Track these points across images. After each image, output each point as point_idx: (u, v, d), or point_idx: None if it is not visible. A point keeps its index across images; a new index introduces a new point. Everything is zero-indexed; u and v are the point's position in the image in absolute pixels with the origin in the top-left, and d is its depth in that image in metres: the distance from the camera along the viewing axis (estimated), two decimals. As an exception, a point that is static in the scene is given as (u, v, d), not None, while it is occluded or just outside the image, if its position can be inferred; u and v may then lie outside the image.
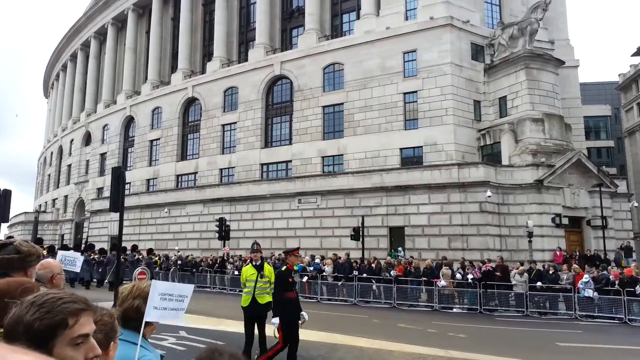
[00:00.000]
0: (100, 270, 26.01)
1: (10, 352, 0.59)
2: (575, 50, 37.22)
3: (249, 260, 10.53)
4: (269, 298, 9.22)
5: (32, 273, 3.52)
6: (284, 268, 8.84)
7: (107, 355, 2.22)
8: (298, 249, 9.86)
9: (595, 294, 18.07)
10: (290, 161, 35.61)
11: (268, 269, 9.53)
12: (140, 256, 27.53)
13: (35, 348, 0.63)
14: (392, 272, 21.23)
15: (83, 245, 32.77)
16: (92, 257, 26.52)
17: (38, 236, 38.64)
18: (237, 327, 13.34)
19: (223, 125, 40.07)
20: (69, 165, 59.00)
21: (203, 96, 41.68)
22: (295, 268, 9.90)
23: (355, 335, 12.46)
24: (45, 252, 21.87)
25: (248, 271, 9.53)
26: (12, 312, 1.51)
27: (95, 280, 26.21)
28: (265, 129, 37.99)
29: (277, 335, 8.41)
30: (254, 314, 9.28)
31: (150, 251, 28.71)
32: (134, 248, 28.05)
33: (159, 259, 30.01)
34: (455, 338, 13.17)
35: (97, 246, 30.83)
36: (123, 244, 23.18)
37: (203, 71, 43.92)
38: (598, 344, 13.11)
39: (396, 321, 15.98)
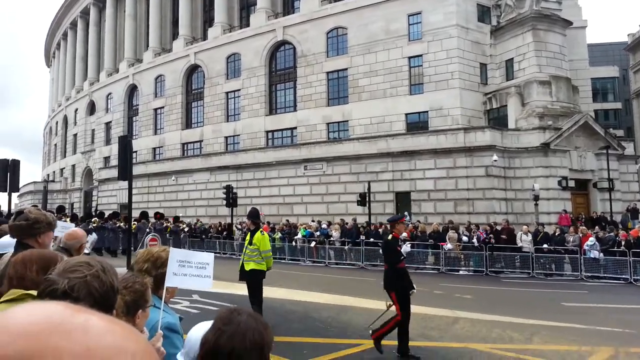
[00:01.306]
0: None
1: (77, 311, 0.62)
2: (583, 10, 36.41)
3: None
4: (252, 265, 9.52)
5: (45, 240, 3.61)
6: (390, 237, 8.31)
7: (134, 322, 2.31)
8: (404, 216, 9.48)
9: (601, 255, 18.26)
10: (296, 128, 35.51)
11: (258, 237, 9.64)
12: (169, 224, 27.52)
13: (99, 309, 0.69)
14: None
15: (94, 213, 32.97)
16: (118, 225, 26.31)
17: (60, 204, 38.76)
18: (246, 290, 13.65)
19: (227, 93, 39.82)
20: (75, 135, 59.08)
21: (205, 63, 41.28)
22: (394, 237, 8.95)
23: (364, 298, 12.72)
24: (69, 221, 22.17)
25: (247, 238, 10.07)
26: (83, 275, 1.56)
27: (121, 248, 25.98)
28: (270, 95, 37.74)
29: (385, 308, 8.05)
30: (241, 278, 9.73)
31: (176, 219, 28.84)
32: (161, 216, 27.88)
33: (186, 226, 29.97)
34: (462, 299, 13.42)
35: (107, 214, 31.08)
36: (135, 212, 23.58)
37: (204, 37, 43.35)
38: (603, 304, 13.33)
39: (403, 284, 16.22)
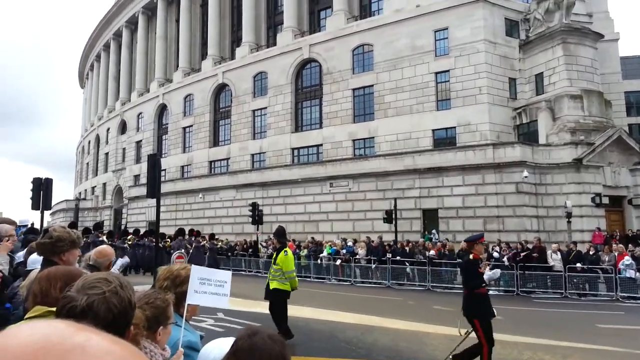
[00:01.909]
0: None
1: (78, 330, 0.60)
2: (615, 22, 35.66)
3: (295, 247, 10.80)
4: (276, 285, 9.59)
5: (69, 258, 3.64)
6: (471, 257, 7.90)
7: (155, 338, 2.28)
8: (482, 235, 8.92)
9: (638, 274, 17.54)
10: (321, 145, 35.58)
11: (281, 257, 9.68)
12: (205, 242, 27.40)
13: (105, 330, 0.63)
14: (430, 253, 21.09)
15: (121, 231, 33.43)
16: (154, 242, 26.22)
17: (97, 222, 39.22)
18: (273, 309, 13.57)
19: (253, 111, 40.28)
20: (107, 154, 60.57)
21: (233, 82, 41.93)
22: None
23: (390, 317, 12.47)
24: (105, 237, 22.54)
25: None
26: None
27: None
28: (296, 113, 38.00)
29: (461, 334, 7.69)
30: (266, 297, 9.85)
31: (212, 236, 28.80)
32: (197, 233, 27.84)
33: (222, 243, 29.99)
34: (493, 320, 13.00)
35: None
36: (165, 230, 23.69)
37: (232, 57, 44.13)
38: (641, 326, 12.74)
39: (431, 303, 15.90)
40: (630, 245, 20.12)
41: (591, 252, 19.20)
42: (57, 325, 0.60)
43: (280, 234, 10.32)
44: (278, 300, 9.55)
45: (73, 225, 27.90)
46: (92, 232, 24.08)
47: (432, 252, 21.16)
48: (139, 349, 2.04)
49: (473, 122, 29.30)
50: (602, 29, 31.47)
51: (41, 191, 15.74)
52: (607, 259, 18.62)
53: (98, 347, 0.58)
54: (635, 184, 26.18)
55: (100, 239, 21.61)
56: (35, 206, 15.68)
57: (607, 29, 33.15)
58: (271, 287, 9.66)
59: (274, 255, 10.11)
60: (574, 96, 27.87)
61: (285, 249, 9.90)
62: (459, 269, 20.34)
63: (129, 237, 26.14)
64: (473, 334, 7.51)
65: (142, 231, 29.99)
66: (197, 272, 3.01)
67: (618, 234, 24.66)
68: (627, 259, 17.83)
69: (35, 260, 4.36)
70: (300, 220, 31.56)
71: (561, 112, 27.93)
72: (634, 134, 37.68)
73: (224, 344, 2.43)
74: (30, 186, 15.70)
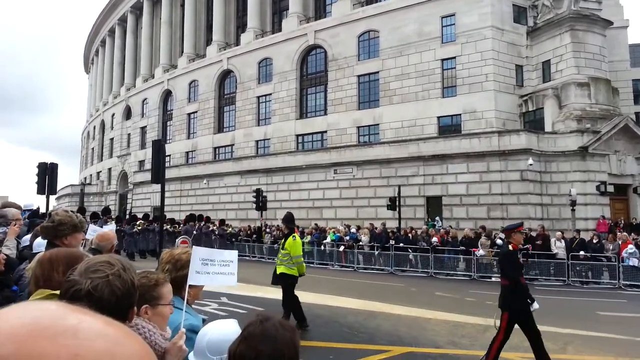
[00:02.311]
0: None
1: (70, 312, 0.59)
2: (625, 9, 35.24)
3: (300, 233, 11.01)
4: (283, 269, 9.68)
5: (72, 241, 3.66)
6: (510, 247, 7.58)
7: (136, 315, 2.25)
8: (522, 224, 8.51)
9: (641, 263, 17.53)
10: (326, 132, 35.52)
11: (290, 242, 9.78)
12: (215, 227, 27.45)
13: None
14: (433, 240, 21.13)
15: (127, 216, 33.58)
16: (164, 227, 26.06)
17: (106, 206, 39.14)
18: (275, 294, 13.66)
19: (258, 97, 40.19)
20: (112, 139, 60.72)
21: (238, 68, 41.78)
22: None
23: (392, 303, 12.55)
24: (114, 222, 22.41)
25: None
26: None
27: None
28: (300, 99, 37.89)
29: (496, 327, 7.35)
30: (274, 282, 9.97)
31: (222, 222, 28.98)
32: (207, 219, 27.96)
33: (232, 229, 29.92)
34: (493, 307, 12.99)
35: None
36: (171, 215, 23.71)
37: (237, 43, 43.91)
38: (643, 314, 12.77)
39: (433, 290, 15.98)
40: (633, 233, 20.08)
41: (595, 241, 19.18)
42: (48, 307, 0.60)
43: (289, 219, 10.36)
44: (284, 284, 9.66)
45: (81, 210, 28.07)
46: (101, 217, 24.17)
47: (435, 239, 21.18)
48: (135, 327, 2.07)
49: (479, 109, 29.13)
50: (611, 16, 31.06)
51: (46, 176, 15.83)
52: (610, 247, 18.60)
53: (90, 329, 0.57)
54: (641, 172, 26.06)
55: (110, 224, 21.61)
56: (40, 191, 15.78)
57: (617, 16, 32.75)
58: (278, 272, 9.76)
59: (282, 241, 10.23)
60: (581, 84, 27.64)
61: (293, 234, 9.96)
62: (460, 256, 20.44)
63: (138, 223, 26.16)
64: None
65: (151, 216, 30.08)
66: (199, 253, 2.99)
67: (623, 222, 24.62)
68: (631, 247, 17.82)
69: (40, 243, 4.41)
70: (304, 206, 31.63)
71: (568, 99, 27.72)
72: (641, 122, 37.33)
73: (221, 326, 2.46)
74: (36, 171, 15.78)
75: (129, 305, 1.63)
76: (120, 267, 1.63)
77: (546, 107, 28.34)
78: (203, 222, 27.13)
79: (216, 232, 26.88)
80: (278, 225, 27.75)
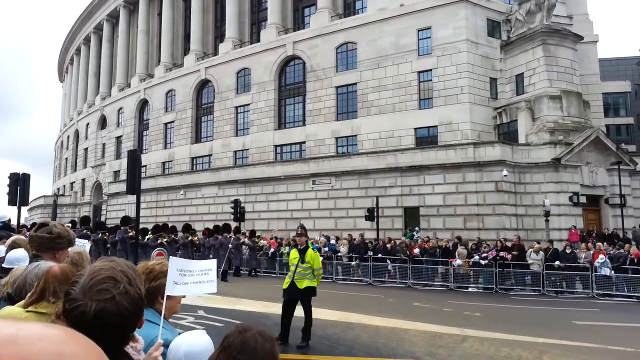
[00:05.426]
0: (211, 256, 21.48)
1: (2, 322, 0.59)
2: (595, 25, 36.30)
3: (293, 244, 10.53)
4: (308, 283, 9.33)
5: (62, 256, 3.52)
6: None
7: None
8: None
9: (613, 272, 17.91)
10: (304, 142, 35.55)
11: (310, 254, 9.43)
12: (196, 238, 24.88)
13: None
14: (415, 250, 21.17)
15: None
16: (130, 235, 22.25)
17: (84, 215, 37.61)
18: (254, 306, 13.53)
19: (236, 107, 40.06)
20: (86, 149, 59.65)
21: (216, 78, 41.62)
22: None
23: (370, 315, 12.54)
24: (133, 232, 20.85)
25: (292, 255, 9.74)
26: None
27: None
28: (279, 110, 37.89)
29: None
30: (291, 298, 9.44)
31: (252, 233, 26.63)
32: (187, 228, 25.39)
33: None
34: (471, 317, 13.18)
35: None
36: (146, 225, 22.94)
37: (215, 53, 43.79)
38: (615, 322, 13.02)
39: (411, 300, 16.04)
40: (604, 243, 20.52)
41: (568, 251, 19.54)
42: None
43: (306, 231, 9.93)
44: (310, 297, 9.38)
45: (85, 220, 27.00)
46: (79, 227, 22.99)
47: (417, 250, 21.27)
48: None
49: (454, 121, 29.57)
50: (581, 31, 32.00)
51: (18, 186, 15.48)
52: (583, 256, 18.97)
53: (30, 334, 0.57)
54: (612, 183, 26.68)
55: (130, 234, 20.51)
56: (12, 202, 15.41)
57: (587, 31, 33.72)
58: (302, 287, 9.29)
59: (296, 254, 9.53)
60: (553, 97, 28.31)
61: (312, 247, 9.62)
62: (439, 266, 20.60)
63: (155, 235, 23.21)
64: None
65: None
66: (176, 264, 2.96)
67: (595, 231, 25.15)
68: (601, 257, 18.20)
69: (19, 257, 4.26)
70: (283, 217, 31.52)
71: (540, 112, 28.35)
72: (612, 134, 38.48)
73: (194, 337, 2.41)
74: (7, 181, 15.41)
75: (138, 318, 1.55)
76: (125, 282, 1.51)
77: (520, 119, 28.92)
78: (233, 234, 24.32)
79: (247, 243, 24.42)
80: (294, 237, 27.05)
